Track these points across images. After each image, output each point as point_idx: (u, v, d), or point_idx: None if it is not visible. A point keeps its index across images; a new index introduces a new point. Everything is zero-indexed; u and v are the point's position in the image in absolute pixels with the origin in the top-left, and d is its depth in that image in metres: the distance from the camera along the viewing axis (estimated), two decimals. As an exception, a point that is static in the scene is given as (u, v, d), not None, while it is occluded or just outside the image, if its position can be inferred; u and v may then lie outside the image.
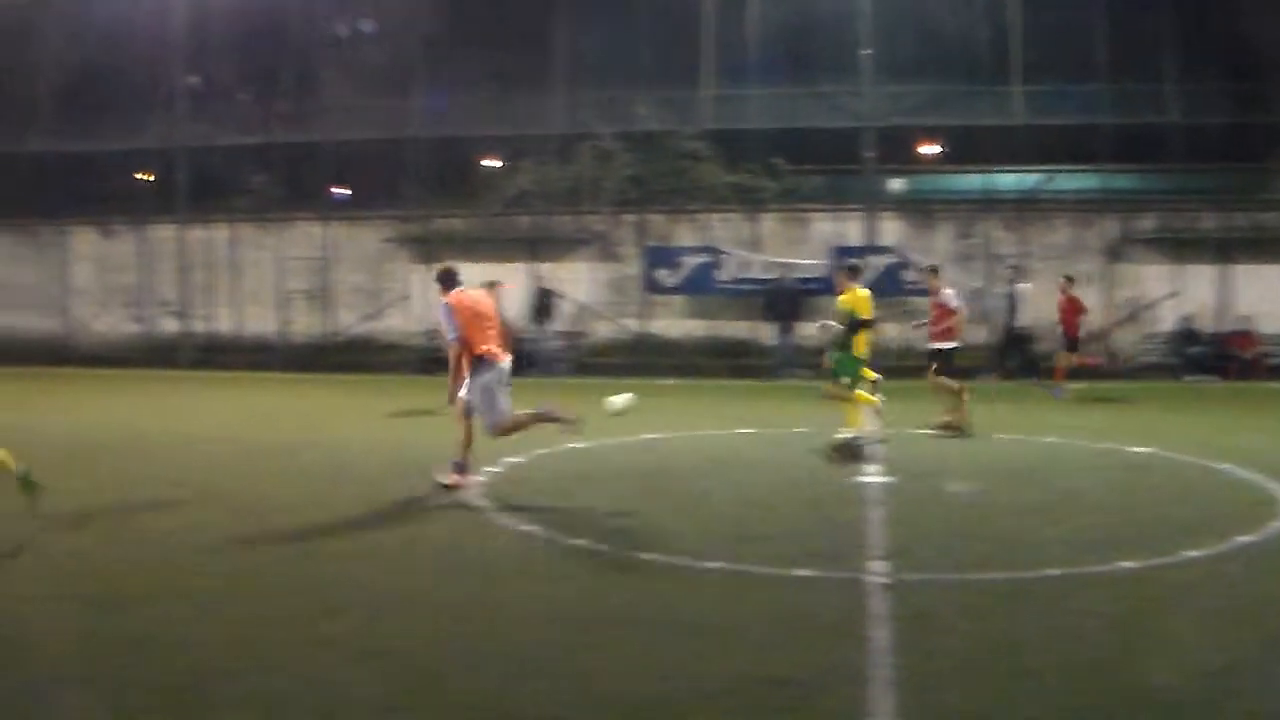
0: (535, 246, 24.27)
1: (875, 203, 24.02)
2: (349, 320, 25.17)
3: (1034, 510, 9.46)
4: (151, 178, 28.45)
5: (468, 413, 10.07)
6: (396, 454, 12.42)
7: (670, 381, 20.67)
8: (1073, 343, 17.93)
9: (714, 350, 23.30)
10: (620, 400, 10.60)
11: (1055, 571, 7.33)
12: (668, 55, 25.16)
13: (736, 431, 14.15)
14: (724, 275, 23.46)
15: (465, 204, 25.82)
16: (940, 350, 14.12)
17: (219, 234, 26.14)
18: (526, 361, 21.66)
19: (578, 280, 24.23)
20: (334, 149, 26.16)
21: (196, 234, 26.12)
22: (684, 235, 24.30)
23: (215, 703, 5.23)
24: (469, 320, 9.93)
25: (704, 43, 24.91)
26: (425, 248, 24.64)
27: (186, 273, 26.14)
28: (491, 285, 16.24)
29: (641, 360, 22.62)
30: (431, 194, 25.49)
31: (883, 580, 7.11)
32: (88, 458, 12.18)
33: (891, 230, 23.65)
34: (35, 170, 27.26)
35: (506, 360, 10.10)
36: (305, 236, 25.57)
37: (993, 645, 6.03)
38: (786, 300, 21.92)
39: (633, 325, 24.09)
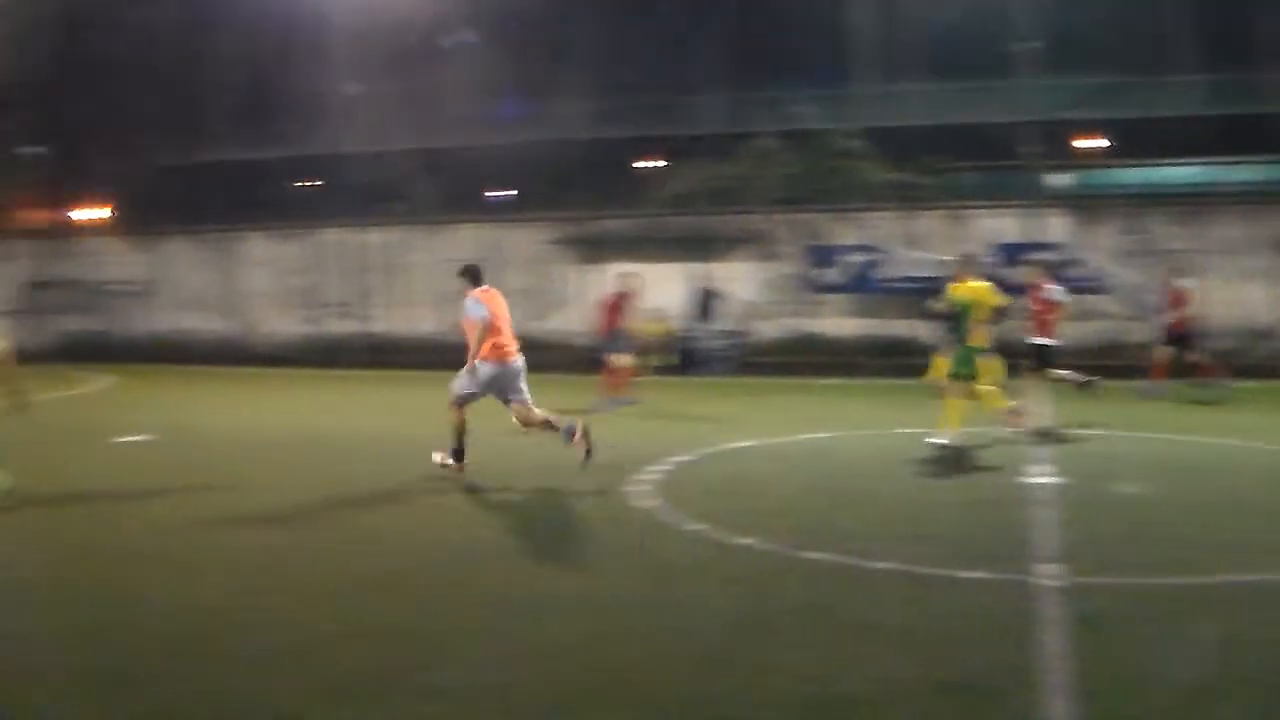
0: (695, 246, 25.39)
1: (1037, 198, 24.58)
2: (513, 320, 26.51)
3: (1203, 512, 9.58)
4: (320, 183, 30.38)
5: (460, 401, 11.26)
6: (560, 453, 12.89)
7: (832, 381, 21.55)
8: (1178, 338, 17.48)
9: (875, 349, 24.14)
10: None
11: (1234, 578, 7.38)
12: (824, 53, 26.12)
13: (899, 431, 14.28)
14: (884, 273, 24.28)
15: (625, 205, 27.09)
16: (1040, 346, 14.93)
17: (386, 237, 27.83)
18: (688, 360, 23.00)
19: (738, 279, 25.33)
20: (496, 152, 27.63)
21: (364, 237, 27.83)
22: (843, 234, 25.23)
23: (406, 692, 5.62)
24: (494, 318, 11.28)
25: (861, 39, 25.87)
26: (587, 249, 25.98)
27: (355, 275, 27.86)
28: (625, 281, 17.70)
29: (802, 359, 23.68)
30: (592, 195, 26.79)
31: (1055, 583, 7.22)
32: (271, 455, 13.16)
33: (1055, 226, 24.17)
34: (211, 179, 29.42)
35: (518, 360, 11.41)
36: (469, 239, 27.06)
37: (1172, 655, 6.07)
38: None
39: (794, 324, 24.96)
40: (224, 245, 29.42)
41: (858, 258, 24.63)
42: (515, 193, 29.99)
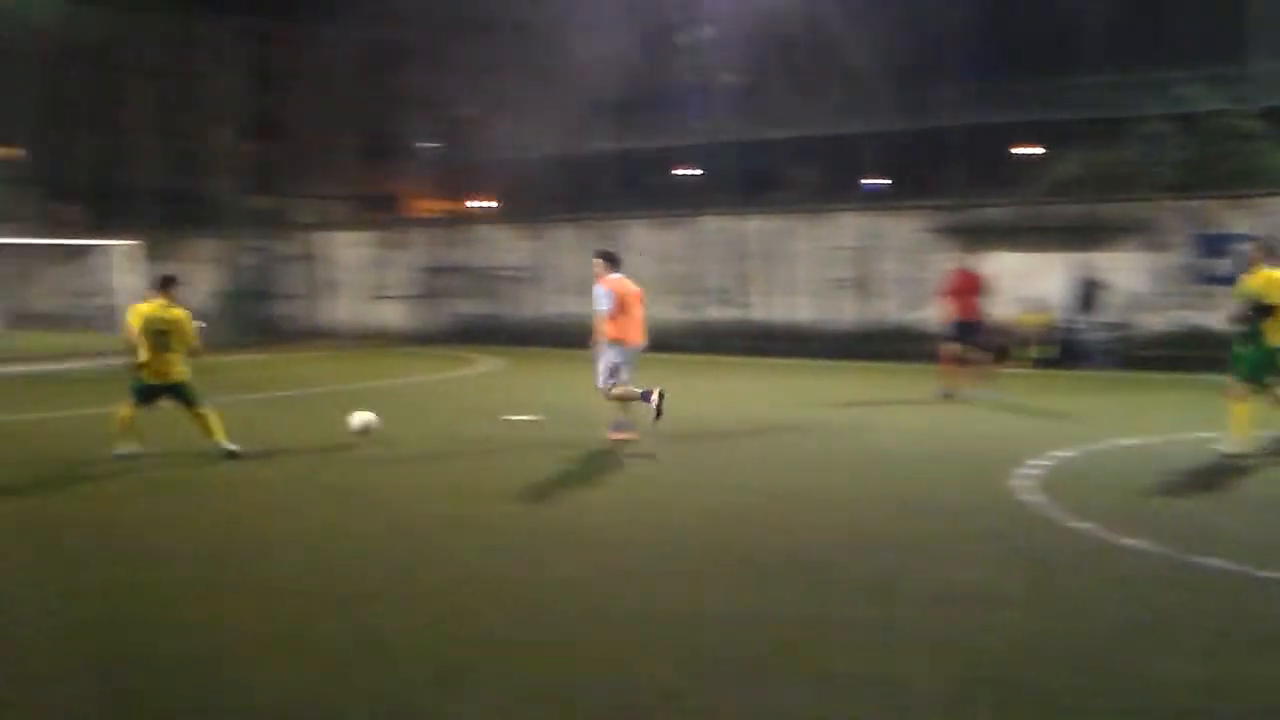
0: (1077, 235, 26.65)
1: None
2: (889, 309, 28.62)
3: None
4: (700, 171, 33.40)
5: (609, 381, 13.96)
6: (937, 444, 14.03)
7: (1222, 378, 22.24)
8: None
9: (1270, 344, 24.50)
10: (359, 419, 13.94)
11: None
12: (1212, 29, 26.67)
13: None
14: (1282, 264, 24.70)
15: (1003, 192, 28.58)
16: None
17: (764, 225, 30.43)
18: (1069, 353, 24.40)
19: (1122, 269, 26.43)
20: (874, 140, 29.72)
21: (743, 225, 30.51)
22: (1237, 222, 25.81)
23: (791, 676, 6.15)
24: (620, 305, 13.87)
25: (1256, 11, 26.38)
26: (965, 237, 27.59)
27: (734, 262, 30.57)
28: (971, 265, 19.02)
29: (1191, 354, 24.25)
30: (969, 183, 28.43)
31: None
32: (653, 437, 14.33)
33: None
34: (595, 168, 32.90)
35: (639, 344, 14.12)
36: (846, 226, 29.27)
37: None
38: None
39: (1182, 317, 25.85)
40: (607, 232, 32.79)
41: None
42: (888, 181, 31.88)
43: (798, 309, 30.01)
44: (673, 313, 31.82)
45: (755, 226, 30.75)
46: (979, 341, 18.98)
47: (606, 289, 14.09)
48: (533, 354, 30.13)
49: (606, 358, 14.00)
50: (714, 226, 31.27)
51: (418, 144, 40.51)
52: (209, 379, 22.12)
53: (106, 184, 50.98)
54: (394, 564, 8.57)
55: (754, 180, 31.19)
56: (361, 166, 45.09)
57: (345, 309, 38.29)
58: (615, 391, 14.05)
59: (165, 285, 13.43)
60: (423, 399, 20.25)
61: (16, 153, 50.60)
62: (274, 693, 6.01)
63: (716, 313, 31.13)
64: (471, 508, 10.60)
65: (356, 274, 38.21)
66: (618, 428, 14.13)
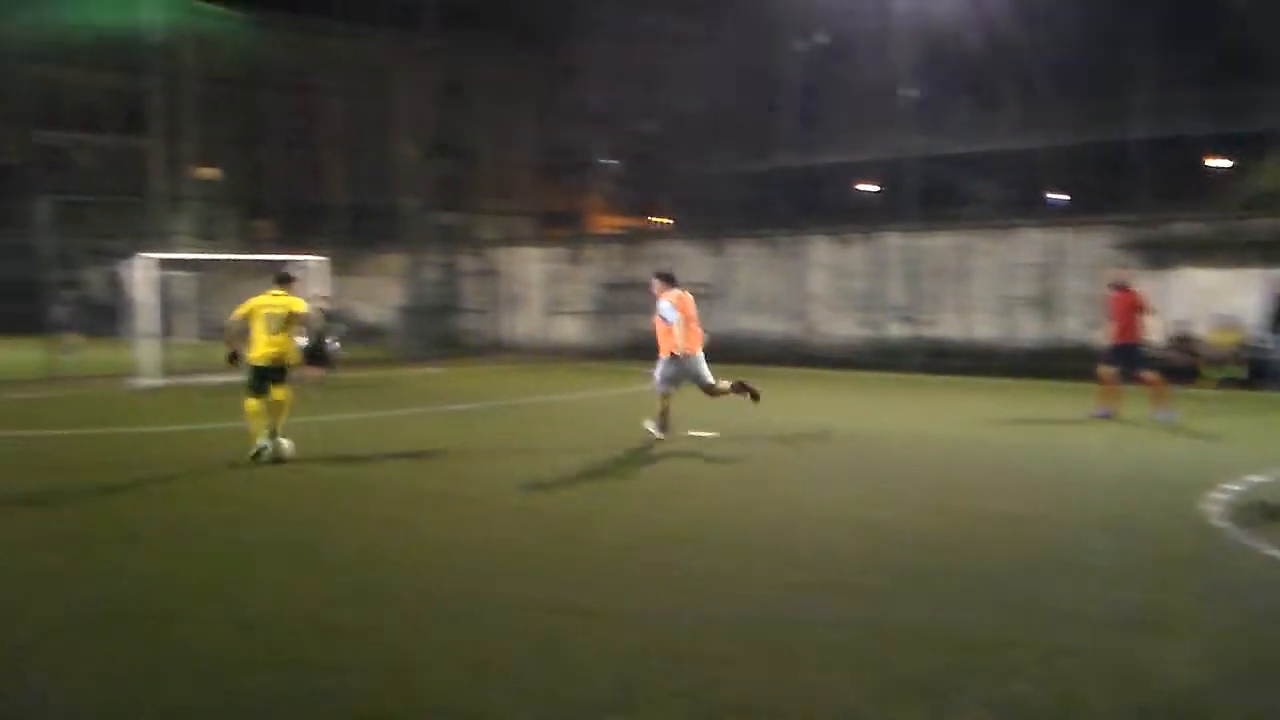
0: (1272, 251, 25.88)
1: None
2: (1074, 327, 28.30)
3: None
4: (878, 188, 33.54)
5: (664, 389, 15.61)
6: (1124, 466, 13.93)
7: None
8: None
9: None
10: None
11: None
12: None
13: None
14: None
15: (1193, 206, 28.08)
16: None
17: (945, 241, 30.39)
18: (1257, 373, 23.87)
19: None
20: (1056, 154, 29.47)
21: (924, 242, 30.51)
22: None
23: (967, 699, 6.18)
24: (684, 319, 15.36)
25: None
26: (1154, 253, 27.23)
27: (914, 279, 30.60)
28: (1126, 285, 18.71)
29: None
30: (1158, 197, 28.02)
31: None
32: (840, 450, 15.09)
33: None
34: (775, 184, 33.25)
35: (698, 354, 15.63)
36: (1028, 243, 29.08)
37: None
38: None
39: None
40: (787, 249, 33.09)
41: None
42: (1067, 197, 31.56)
43: (979, 326, 29.89)
44: (852, 329, 32.01)
45: (936, 243, 30.70)
46: (1142, 363, 18.49)
47: (670, 304, 15.44)
48: (711, 370, 30.45)
49: (666, 367, 15.57)
50: (895, 243, 31.29)
51: (599, 160, 41.34)
52: (390, 391, 23.00)
53: (298, 201, 53.15)
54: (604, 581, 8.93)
55: (935, 196, 31.14)
56: (543, 182, 46.22)
57: (526, 324, 39.21)
58: (663, 399, 15.69)
59: (283, 280, 14.69)
60: (601, 413, 20.73)
61: (215, 173, 52.88)
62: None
63: (896, 330, 31.14)
64: (668, 524, 10.70)
65: (537, 289, 39.11)
66: (660, 429, 15.75)
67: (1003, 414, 19.89)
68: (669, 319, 15.34)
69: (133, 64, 44.29)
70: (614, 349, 36.11)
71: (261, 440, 14.18)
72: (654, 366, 15.90)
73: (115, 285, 36.52)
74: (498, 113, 61.87)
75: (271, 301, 14.33)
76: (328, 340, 22.30)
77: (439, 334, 39.12)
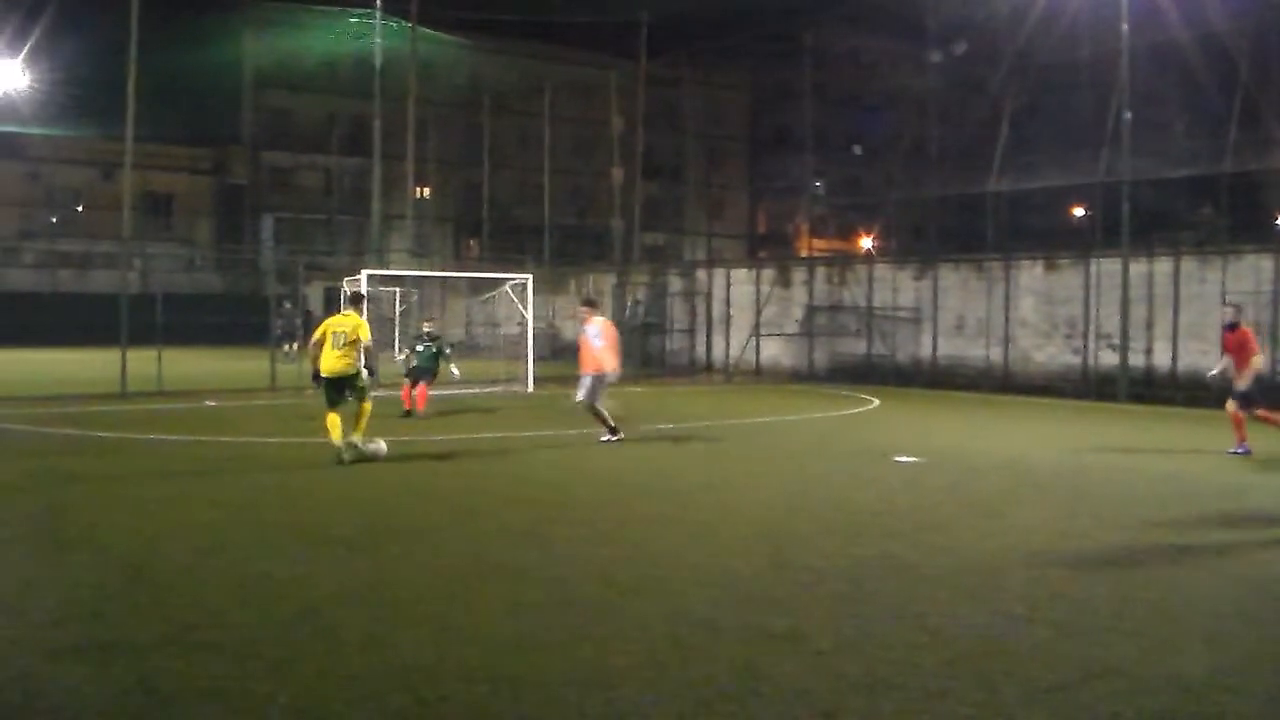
0: None
1: None
2: (1294, 357, 27.43)
3: None
4: (1089, 211, 33.17)
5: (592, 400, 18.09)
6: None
7: None
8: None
9: None
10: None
11: None
12: None
13: None
14: None
15: None
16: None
17: (1161, 267, 29.76)
18: None
19: None
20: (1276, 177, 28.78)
21: (1139, 267, 29.92)
22: None
23: None
24: (610, 341, 18.13)
25: None
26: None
27: (1128, 306, 30.02)
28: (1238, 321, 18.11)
29: None
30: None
31: None
32: (1038, 486, 14.55)
33: None
34: (983, 207, 33.15)
35: (619, 371, 18.44)
36: (1250, 269, 28.28)
37: None
38: None
39: None
40: (994, 273, 32.89)
41: None
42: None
43: (1194, 355, 29.19)
44: (1061, 355, 31.62)
45: (1151, 269, 30.09)
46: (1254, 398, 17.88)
47: (599, 329, 18.27)
48: (909, 395, 30.56)
49: (594, 381, 17.99)
50: (1108, 268, 30.77)
51: (806, 183, 41.67)
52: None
53: (510, 220, 54.82)
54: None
55: (1154, 220, 30.58)
56: (750, 205, 46.78)
57: (731, 344, 39.67)
58: (602, 406, 18.10)
59: (355, 301, 16.60)
60: (811, 437, 20.92)
61: (430, 193, 54.95)
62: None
63: (1106, 357, 30.64)
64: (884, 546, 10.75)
65: (743, 310, 39.55)
66: (612, 432, 18.19)
67: (1209, 448, 19.04)
68: (597, 343, 17.94)
69: (358, 88, 46.40)
70: (820, 371, 36.39)
71: (339, 443, 15.48)
72: (580, 384, 18.30)
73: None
74: (708, 135, 62.90)
75: (341, 321, 15.84)
76: (445, 356, 22.91)
77: (644, 353, 39.92)
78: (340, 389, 15.60)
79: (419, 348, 22.37)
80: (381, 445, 15.80)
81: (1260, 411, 17.91)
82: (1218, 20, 30.05)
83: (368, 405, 15.81)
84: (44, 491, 13.39)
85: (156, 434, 19.24)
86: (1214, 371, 19.02)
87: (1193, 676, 6.91)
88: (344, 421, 15.53)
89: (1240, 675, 6.98)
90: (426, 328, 23.70)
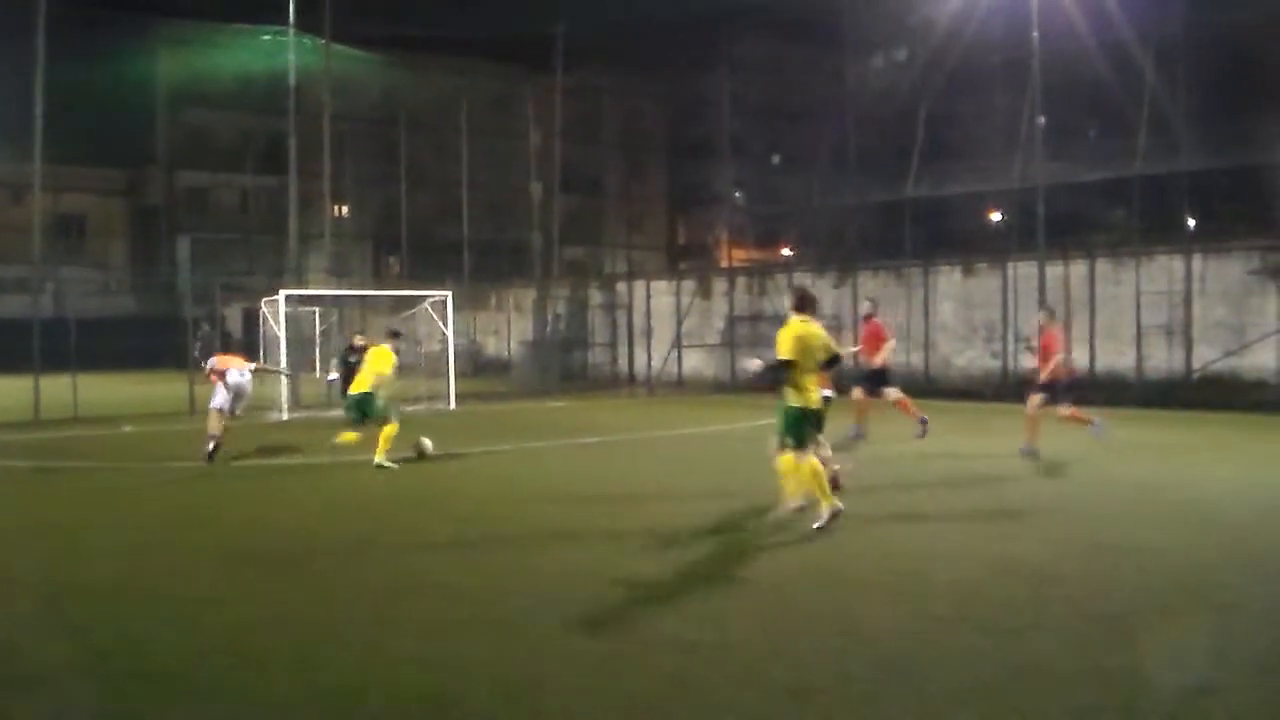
0: None
1: None
2: (1209, 356, 27.90)
3: None
4: (1006, 216, 33.62)
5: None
6: (1268, 500, 13.53)
7: None
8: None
9: None
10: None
11: None
12: None
13: None
14: None
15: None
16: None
17: (1077, 269, 30.20)
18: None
19: None
20: (1189, 180, 29.27)
21: (1055, 270, 30.32)
22: None
23: None
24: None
25: None
26: (1292, 278, 26.87)
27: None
28: None
29: None
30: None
31: None
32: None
33: None
34: (904, 214, 33.49)
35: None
36: (1163, 270, 28.76)
37: None
38: None
39: None
40: (913, 278, 33.23)
41: None
42: (1193, 223, 31.35)
43: (1108, 355, 29.64)
44: (980, 360, 31.99)
45: (1066, 271, 30.49)
46: None
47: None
48: (836, 402, 30.56)
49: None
50: (1025, 272, 31.14)
51: (726, 193, 41.84)
52: (516, 423, 23.59)
53: (428, 237, 54.63)
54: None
55: (1066, 224, 31.01)
56: (670, 216, 46.93)
57: (653, 357, 39.70)
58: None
59: (393, 336, 18.60)
60: (742, 447, 21.02)
61: (347, 210, 54.60)
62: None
63: (1026, 360, 30.95)
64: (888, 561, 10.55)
65: (664, 322, 39.63)
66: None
67: (1137, 447, 19.37)
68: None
69: (273, 106, 45.99)
70: (737, 383, 36.52)
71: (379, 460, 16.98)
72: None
73: (250, 320, 37.97)
74: (625, 148, 63.07)
75: (374, 353, 18.22)
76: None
77: (564, 367, 39.89)
78: (359, 406, 17.68)
79: (351, 359, 22.10)
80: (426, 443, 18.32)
81: (1063, 410, 18.34)
82: (1123, 28, 30.61)
83: (390, 429, 17.33)
84: (-47, 523, 13.18)
85: (72, 461, 19.05)
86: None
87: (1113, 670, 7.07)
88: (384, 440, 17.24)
89: (1158, 667, 7.19)
90: (359, 341, 23.17)
